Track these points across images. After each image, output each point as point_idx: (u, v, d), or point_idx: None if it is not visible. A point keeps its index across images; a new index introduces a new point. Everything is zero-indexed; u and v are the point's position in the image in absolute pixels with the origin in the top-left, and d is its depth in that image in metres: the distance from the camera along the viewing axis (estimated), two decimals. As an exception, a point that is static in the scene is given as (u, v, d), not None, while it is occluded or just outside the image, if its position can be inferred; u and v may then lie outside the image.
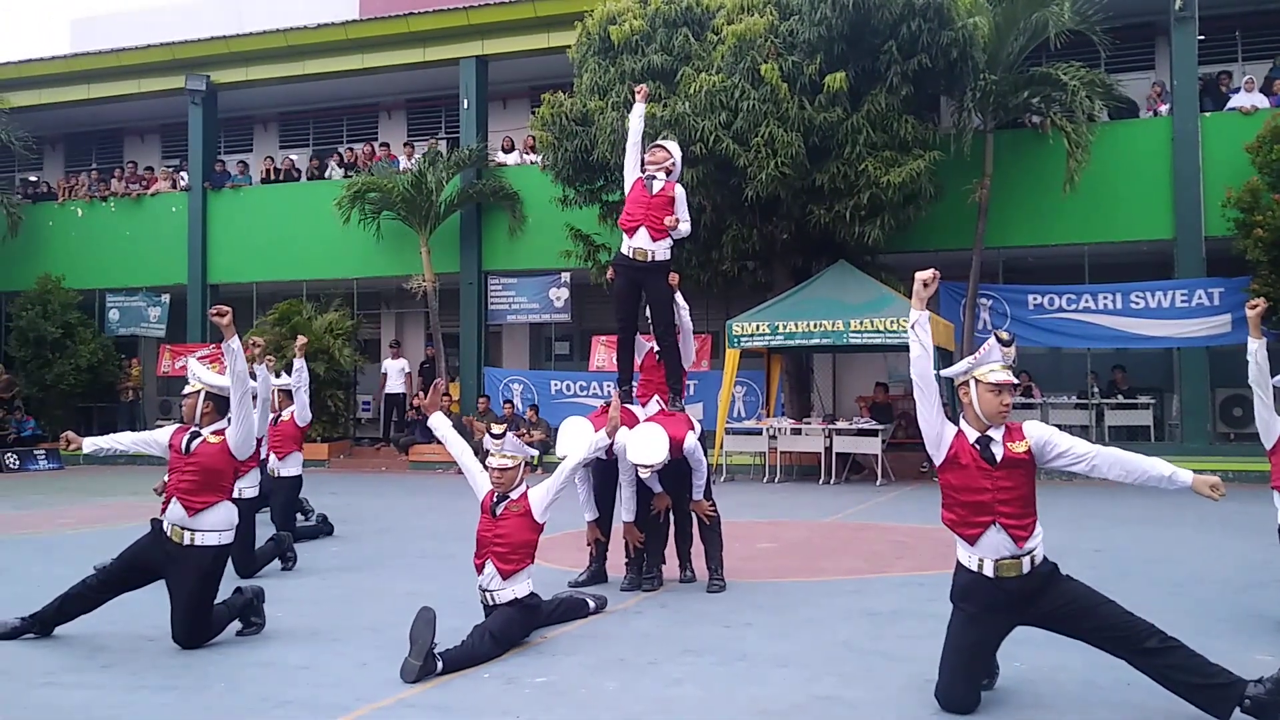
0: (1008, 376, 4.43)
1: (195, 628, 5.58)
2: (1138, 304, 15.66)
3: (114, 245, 21.74)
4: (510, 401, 18.40)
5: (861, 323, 14.20)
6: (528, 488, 5.72)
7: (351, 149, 21.56)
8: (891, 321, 14.05)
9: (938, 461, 4.46)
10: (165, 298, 21.47)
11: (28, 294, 21.13)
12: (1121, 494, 13.33)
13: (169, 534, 5.67)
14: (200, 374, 5.90)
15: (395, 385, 20.22)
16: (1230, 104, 16.03)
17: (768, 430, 15.22)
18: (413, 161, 19.35)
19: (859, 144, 14.43)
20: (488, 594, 5.59)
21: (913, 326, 4.46)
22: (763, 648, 5.46)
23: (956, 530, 4.42)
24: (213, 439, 5.74)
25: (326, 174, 21.04)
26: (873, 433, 14.88)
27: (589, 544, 7.27)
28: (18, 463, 19.23)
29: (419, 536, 9.91)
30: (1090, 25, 14.53)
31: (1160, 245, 16.15)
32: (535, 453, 6.46)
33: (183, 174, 22.08)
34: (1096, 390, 16.86)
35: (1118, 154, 15.93)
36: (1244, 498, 12.60)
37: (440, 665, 4.94)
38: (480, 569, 5.61)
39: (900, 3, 13.94)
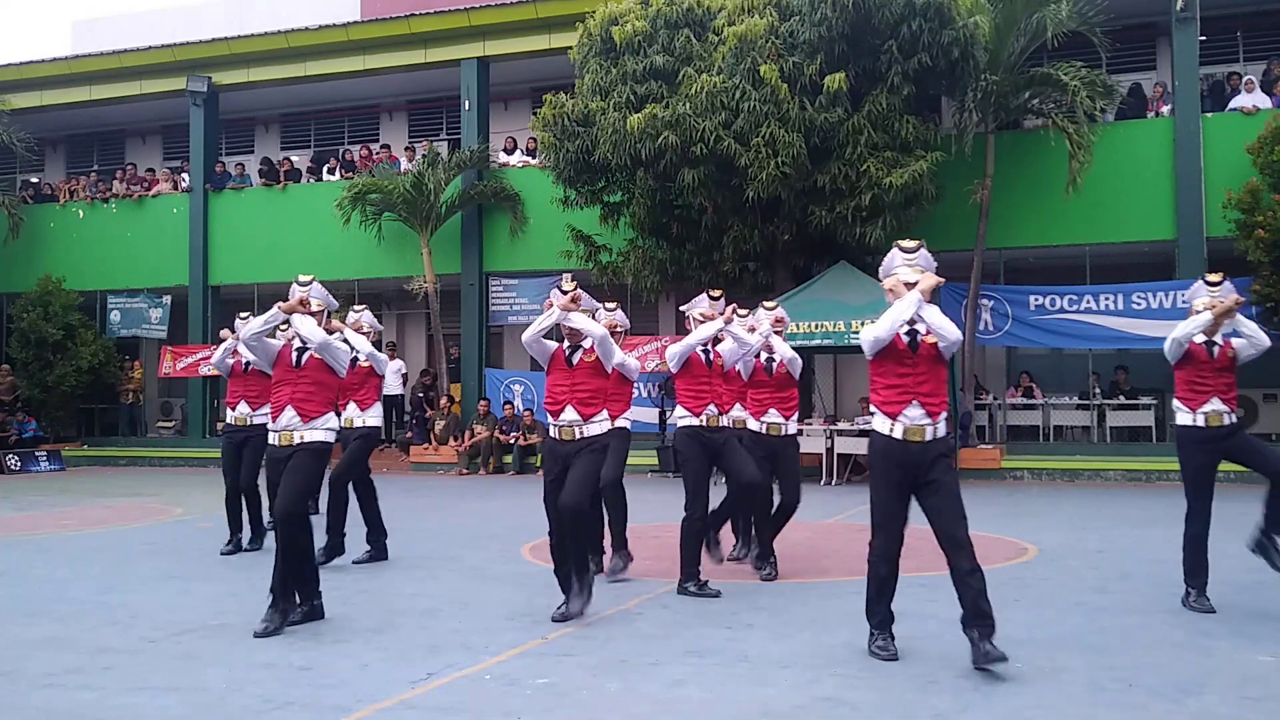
0: (911, 275, 5.20)
1: (297, 501, 5.98)
2: (1139, 305, 15.65)
3: (115, 247, 21.74)
4: (511, 403, 18.40)
5: (863, 323, 14.13)
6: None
7: (350, 151, 21.56)
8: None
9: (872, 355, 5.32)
10: (166, 299, 21.48)
11: (29, 295, 21.12)
12: (1124, 495, 13.33)
13: (278, 442, 6.12)
14: (320, 295, 6.54)
15: (393, 387, 20.20)
16: (1231, 104, 16.02)
17: (769, 431, 15.19)
18: (413, 163, 19.35)
19: (860, 145, 14.43)
20: (574, 429, 6.14)
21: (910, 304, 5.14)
22: (765, 649, 5.46)
23: (884, 409, 5.22)
24: (318, 355, 6.19)
25: (322, 176, 21.07)
26: (874, 434, 14.86)
27: None
28: (19, 464, 19.24)
29: (421, 537, 9.90)
30: (1090, 26, 14.54)
31: (1162, 246, 16.14)
32: (597, 305, 6.88)
33: (184, 175, 22.09)
34: (1098, 391, 16.86)
35: (1119, 155, 15.92)
36: (1245, 499, 12.59)
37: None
38: (557, 414, 6.17)
39: (901, 2, 13.94)
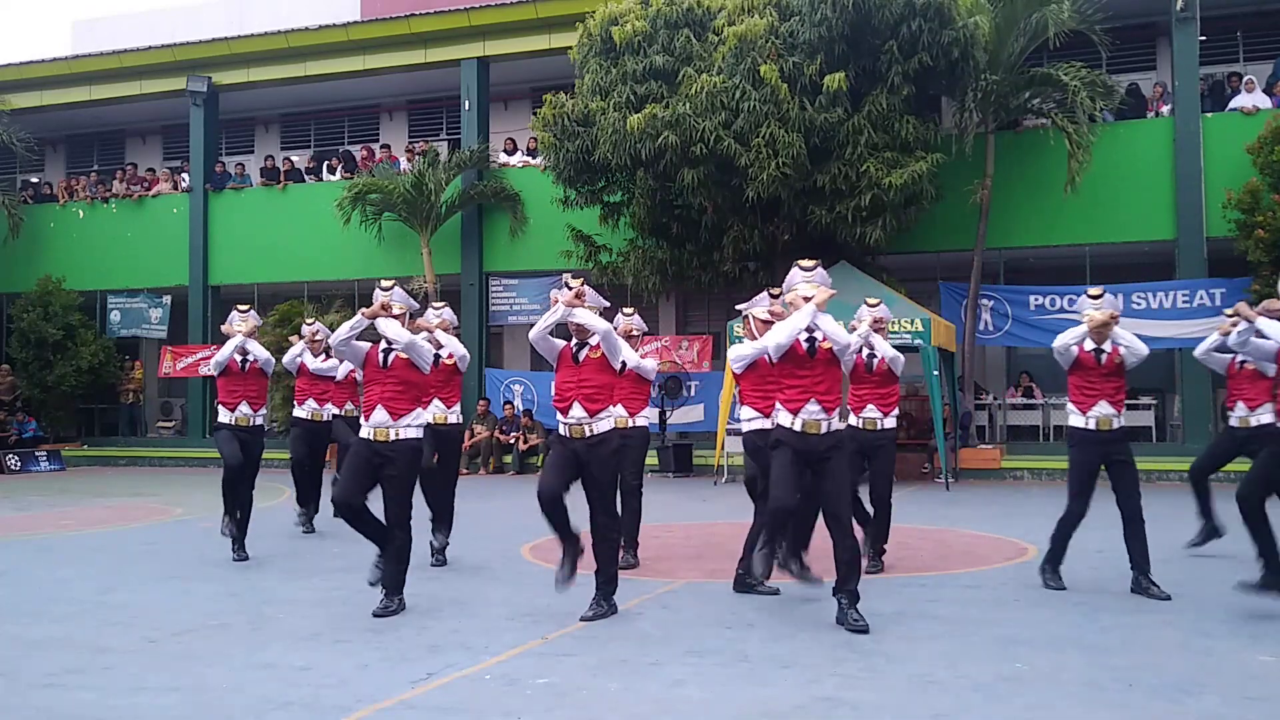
0: (809, 290, 5.93)
1: (403, 509, 6.51)
2: (1139, 305, 15.65)
3: (115, 247, 21.75)
4: (511, 403, 18.41)
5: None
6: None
7: (350, 153, 21.57)
8: (893, 323, 14.04)
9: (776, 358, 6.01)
10: (166, 299, 21.49)
11: (29, 295, 21.14)
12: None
13: (374, 437, 6.45)
14: (402, 299, 6.88)
15: None
16: (1231, 104, 16.03)
17: (769, 431, 15.18)
18: (413, 163, 19.36)
19: (860, 145, 14.43)
20: (584, 426, 6.17)
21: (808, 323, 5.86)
22: (765, 649, 5.46)
23: (787, 406, 5.96)
24: (404, 355, 6.53)
25: (323, 176, 21.09)
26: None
27: None
28: (19, 464, 19.24)
29: (421, 538, 9.87)
30: (1090, 25, 14.54)
31: (1162, 246, 16.14)
32: (606, 304, 6.83)
33: (184, 175, 22.09)
34: (1098, 391, 16.83)
35: (1119, 154, 15.93)
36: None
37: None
38: (565, 411, 6.24)
39: (901, 2, 13.94)
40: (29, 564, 8.50)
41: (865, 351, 7.61)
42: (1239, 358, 8.22)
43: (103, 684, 4.95)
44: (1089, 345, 6.91)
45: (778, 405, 6.03)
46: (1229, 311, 8.10)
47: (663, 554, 8.58)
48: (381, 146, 21.35)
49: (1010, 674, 4.93)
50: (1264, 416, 8.06)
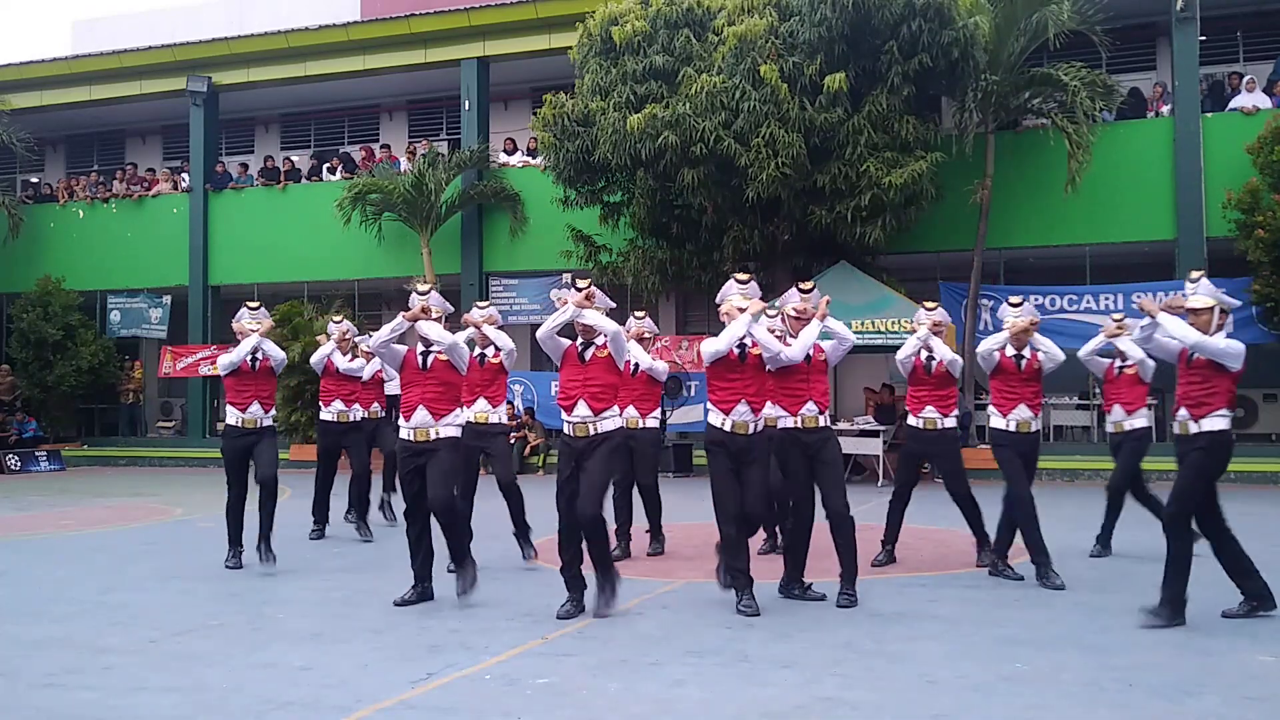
0: (743, 302, 6.32)
1: (444, 494, 6.53)
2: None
3: (115, 247, 21.74)
4: (511, 402, 18.37)
5: (863, 323, 14.18)
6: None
7: (349, 154, 21.56)
8: (893, 322, 14.06)
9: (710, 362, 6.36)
10: (166, 299, 21.48)
11: (29, 295, 21.12)
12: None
13: (413, 438, 6.57)
14: (438, 302, 6.99)
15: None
16: (1231, 104, 16.03)
17: (769, 431, 15.19)
18: (413, 163, 19.35)
19: (860, 145, 14.43)
20: (588, 425, 6.22)
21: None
22: (765, 649, 5.46)
23: (719, 406, 6.32)
24: (443, 356, 6.65)
25: (323, 176, 21.09)
26: (874, 433, 14.86)
27: None
28: (19, 464, 19.24)
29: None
30: (1090, 25, 14.55)
31: (1162, 246, 16.13)
32: (614, 305, 7.02)
33: (184, 175, 22.09)
34: (1098, 391, 16.82)
35: (1119, 155, 15.92)
36: (1244, 499, 12.60)
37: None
38: (570, 409, 6.27)
39: (901, 3, 13.94)
40: (29, 564, 8.51)
41: (924, 354, 7.77)
42: (1118, 361, 8.39)
43: (103, 684, 4.95)
44: (1010, 351, 7.24)
45: (709, 406, 6.38)
46: (1115, 317, 8.34)
47: (663, 554, 8.58)
48: (381, 146, 21.35)
49: (1010, 674, 4.93)
50: (1139, 421, 8.30)
